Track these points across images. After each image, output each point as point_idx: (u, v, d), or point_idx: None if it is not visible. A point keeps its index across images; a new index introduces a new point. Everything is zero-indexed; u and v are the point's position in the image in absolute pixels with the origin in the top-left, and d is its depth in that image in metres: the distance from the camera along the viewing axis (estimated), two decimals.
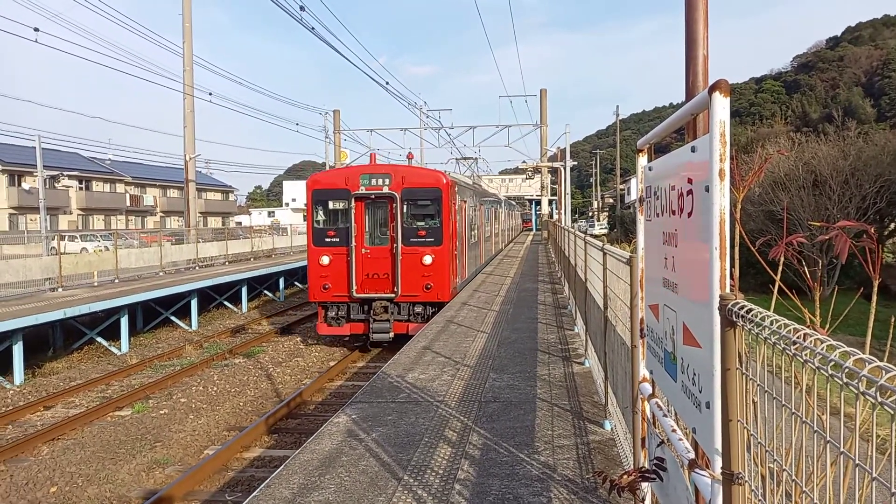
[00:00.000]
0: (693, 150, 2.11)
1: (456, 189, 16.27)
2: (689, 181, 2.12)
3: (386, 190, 14.86)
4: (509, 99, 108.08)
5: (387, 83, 29.75)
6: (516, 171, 58.05)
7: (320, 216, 15.34)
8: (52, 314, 13.60)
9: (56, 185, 46.53)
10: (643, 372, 3.08)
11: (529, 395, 6.82)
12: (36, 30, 20.74)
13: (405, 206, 14.92)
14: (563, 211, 37.21)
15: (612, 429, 5.64)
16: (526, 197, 61.64)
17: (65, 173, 44.19)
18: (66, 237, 31.99)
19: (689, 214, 2.12)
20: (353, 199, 14.88)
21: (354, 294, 14.85)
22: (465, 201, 17.90)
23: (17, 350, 12.90)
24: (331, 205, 15.21)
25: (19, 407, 11.40)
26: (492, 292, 16.08)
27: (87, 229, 52.58)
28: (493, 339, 10.06)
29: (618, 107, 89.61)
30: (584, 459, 5.02)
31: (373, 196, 14.98)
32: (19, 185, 50.75)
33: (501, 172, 67.13)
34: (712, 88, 1.84)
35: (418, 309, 14.97)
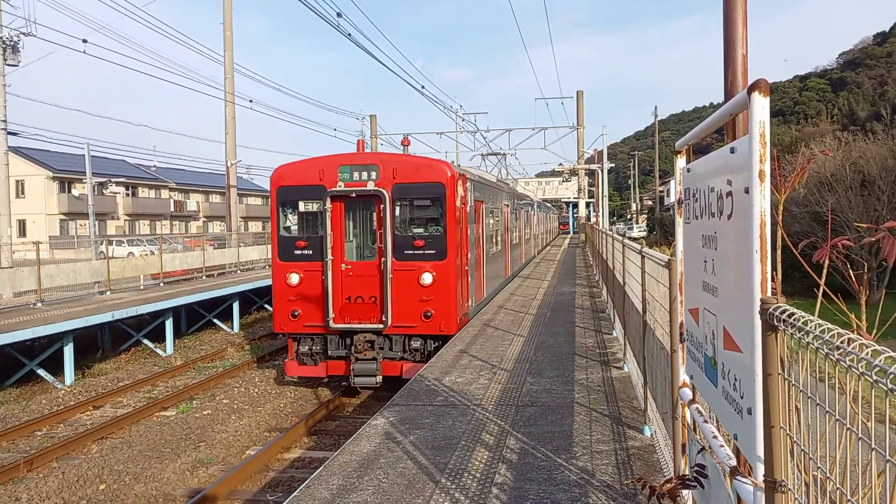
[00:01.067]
0: (732, 151, 2.08)
1: (467, 185, 12.69)
2: (729, 183, 2.09)
3: (371, 186, 11.34)
4: (545, 101, 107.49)
5: (422, 87, 29.74)
6: (553, 173, 57.51)
7: (288, 221, 12.00)
8: (100, 317, 14.04)
9: (104, 191, 48.12)
10: (683, 377, 3.04)
11: (567, 400, 6.77)
12: (84, 41, 21.51)
13: (397, 208, 11.47)
14: (600, 213, 36.81)
15: (651, 434, 5.56)
16: (563, 199, 61.00)
17: (112, 180, 45.71)
18: (114, 242, 32.99)
19: (729, 217, 2.09)
20: (328, 199, 11.40)
21: (332, 324, 11.43)
22: (481, 201, 14.56)
23: (68, 351, 13.36)
24: (301, 206, 11.86)
25: (70, 406, 11.81)
26: (528, 296, 16.00)
27: (134, 234, 54.22)
28: (530, 342, 10.01)
29: (656, 107, 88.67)
30: (623, 465, 4.96)
31: (354, 194, 11.47)
32: (69, 191, 52.68)
33: (538, 175, 66.29)
34: (751, 88, 1.82)
35: (415, 343, 11.45)
